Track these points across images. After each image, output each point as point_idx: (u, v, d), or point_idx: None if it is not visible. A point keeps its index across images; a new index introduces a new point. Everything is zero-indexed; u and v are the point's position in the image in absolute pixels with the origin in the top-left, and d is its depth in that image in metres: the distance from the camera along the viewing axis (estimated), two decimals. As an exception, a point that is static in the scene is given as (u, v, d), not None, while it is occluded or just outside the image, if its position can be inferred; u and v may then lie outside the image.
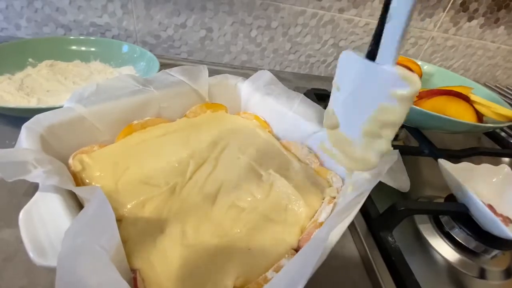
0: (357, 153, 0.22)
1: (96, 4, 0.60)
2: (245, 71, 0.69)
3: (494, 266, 0.33)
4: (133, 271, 0.21)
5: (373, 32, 0.20)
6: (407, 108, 0.19)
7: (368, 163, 0.22)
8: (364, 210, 0.35)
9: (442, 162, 0.35)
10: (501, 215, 0.34)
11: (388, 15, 0.18)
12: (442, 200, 0.38)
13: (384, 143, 0.21)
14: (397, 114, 0.20)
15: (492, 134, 0.62)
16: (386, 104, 0.20)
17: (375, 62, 0.20)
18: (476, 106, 0.45)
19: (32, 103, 0.42)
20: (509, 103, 0.50)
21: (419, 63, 0.61)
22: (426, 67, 0.62)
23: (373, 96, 0.20)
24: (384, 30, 0.19)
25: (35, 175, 0.21)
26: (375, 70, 0.20)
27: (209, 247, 0.23)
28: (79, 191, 0.22)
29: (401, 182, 0.30)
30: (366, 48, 0.20)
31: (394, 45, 0.19)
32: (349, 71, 0.22)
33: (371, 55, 0.20)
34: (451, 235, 0.34)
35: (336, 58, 0.76)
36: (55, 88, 0.47)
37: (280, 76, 0.58)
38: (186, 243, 0.23)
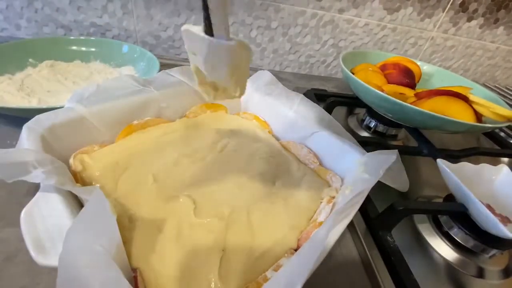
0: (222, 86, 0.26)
1: (96, 4, 0.60)
2: (245, 71, 0.69)
3: (492, 266, 0.33)
4: (134, 270, 0.21)
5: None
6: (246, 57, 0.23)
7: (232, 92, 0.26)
8: (363, 210, 0.35)
9: (441, 162, 0.36)
10: (499, 215, 0.34)
11: None
12: (441, 200, 0.38)
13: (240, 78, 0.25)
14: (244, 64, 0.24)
15: (491, 134, 0.62)
16: (233, 63, 0.23)
17: (213, 38, 0.22)
18: (475, 106, 0.45)
19: (33, 103, 0.42)
20: (508, 103, 0.50)
21: (419, 63, 0.61)
22: (425, 67, 0.62)
23: (221, 60, 0.23)
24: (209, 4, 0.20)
25: (35, 175, 0.21)
26: (216, 45, 0.22)
27: (208, 246, 0.24)
28: (79, 191, 0.22)
29: (400, 182, 0.30)
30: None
31: (223, 17, 0.21)
32: (195, 43, 0.24)
33: (208, 30, 0.22)
34: (450, 235, 0.34)
35: (336, 58, 0.76)
36: (55, 88, 0.48)
37: (280, 76, 0.58)
38: (185, 243, 0.23)
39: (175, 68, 0.38)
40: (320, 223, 0.26)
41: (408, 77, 0.55)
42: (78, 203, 0.23)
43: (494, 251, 0.33)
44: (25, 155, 0.22)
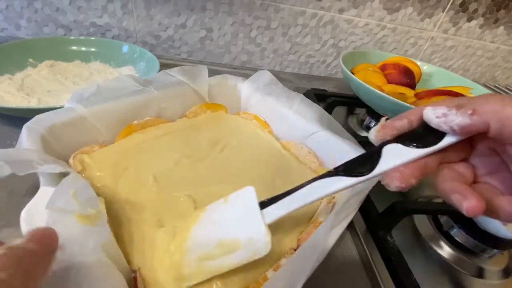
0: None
1: (96, 5, 0.60)
2: (245, 71, 0.69)
3: (492, 266, 0.33)
4: (134, 271, 0.21)
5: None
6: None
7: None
8: (363, 210, 0.35)
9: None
10: (499, 215, 0.34)
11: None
12: (441, 200, 0.38)
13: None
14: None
15: (491, 134, 0.62)
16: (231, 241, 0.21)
17: (261, 209, 0.21)
18: (475, 106, 0.45)
19: (33, 103, 0.42)
20: (508, 103, 0.50)
21: (419, 63, 0.61)
22: (425, 67, 0.62)
23: (234, 228, 0.22)
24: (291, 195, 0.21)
25: (45, 168, 0.21)
26: (254, 216, 0.21)
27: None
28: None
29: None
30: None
31: (283, 212, 0.21)
32: (242, 199, 0.23)
33: (267, 201, 0.22)
34: (450, 235, 0.34)
35: (336, 58, 0.76)
36: (55, 88, 0.48)
37: (280, 77, 0.58)
38: (185, 242, 0.23)
39: (175, 68, 0.38)
40: (320, 223, 0.26)
41: (408, 77, 0.55)
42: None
43: (494, 251, 0.33)
44: (28, 154, 0.22)
